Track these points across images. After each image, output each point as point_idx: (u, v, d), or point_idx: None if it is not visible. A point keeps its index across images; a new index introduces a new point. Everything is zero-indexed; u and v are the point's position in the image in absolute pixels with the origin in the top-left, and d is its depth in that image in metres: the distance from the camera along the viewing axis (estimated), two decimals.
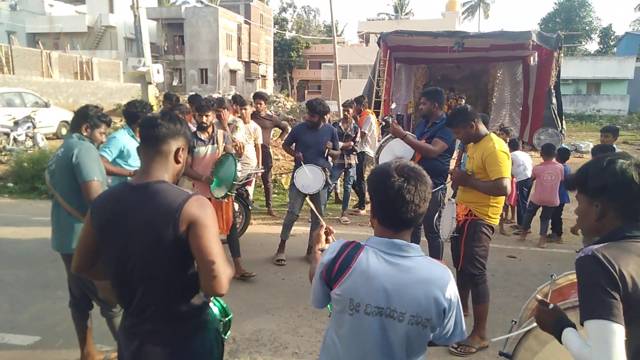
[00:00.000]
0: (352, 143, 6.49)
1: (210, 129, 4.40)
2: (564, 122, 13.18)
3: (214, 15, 33.15)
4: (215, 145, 4.41)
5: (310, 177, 4.83)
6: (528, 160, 6.53)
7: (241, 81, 37.33)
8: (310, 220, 5.50)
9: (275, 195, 7.85)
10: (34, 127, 11.49)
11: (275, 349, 3.37)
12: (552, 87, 12.35)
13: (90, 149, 2.79)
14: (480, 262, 3.37)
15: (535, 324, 1.60)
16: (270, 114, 8.07)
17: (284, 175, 8.97)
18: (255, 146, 6.00)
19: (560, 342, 1.42)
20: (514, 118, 15.19)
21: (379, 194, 1.45)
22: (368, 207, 6.34)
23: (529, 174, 6.27)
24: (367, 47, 38.98)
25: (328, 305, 1.60)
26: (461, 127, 3.35)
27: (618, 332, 1.26)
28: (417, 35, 12.95)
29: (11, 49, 21.00)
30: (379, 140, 7.11)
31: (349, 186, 6.90)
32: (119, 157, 3.72)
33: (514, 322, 2.38)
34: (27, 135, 11.16)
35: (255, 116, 6.23)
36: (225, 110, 5.08)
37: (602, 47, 47.33)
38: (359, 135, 6.64)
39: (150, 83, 9.55)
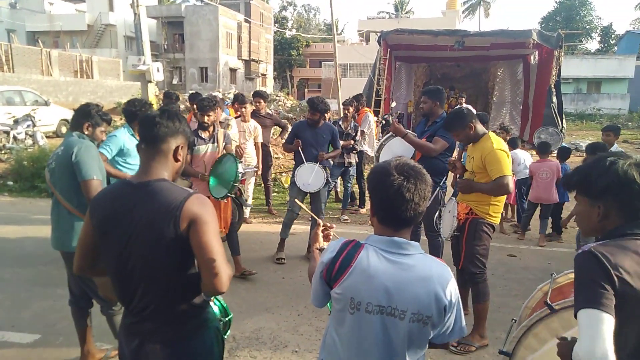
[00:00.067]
0: (352, 142, 6.48)
1: (211, 128, 4.41)
2: (564, 121, 13.19)
3: (214, 13, 33.12)
4: (216, 144, 4.42)
5: (311, 176, 4.83)
6: (528, 159, 6.53)
7: (241, 80, 37.30)
8: (310, 218, 5.50)
9: (275, 193, 7.85)
10: (34, 126, 11.49)
11: (275, 347, 3.37)
12: (552, 86, 12.36)
13: (90, 148, 2.79)
14: (480, 261, 3.37)
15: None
16: (271, 112, 8.07)
17: (284, 174, 8.97)
18: (255, 145, 6.02)
19: None
20: (515, 117, 15.19)
21: (379, 193, 1.45)
22: (368, 206, 6.33)
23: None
24: (368, 46, 38.97)
25: (328, 304, 1.60)
26: (460, 129, 3.36)
27: (606, 321, 1.26)
28: (418, 33, 12.95)
29: (11, 47, 21.00)
30: (378, 140, 7.12)
31: (349, 185, 6.90)
32: (119, 155, 3.72)
33: (514, 321, 2.38)
34: (27, 134, 11.17)
35: (255, 115, 6.23)
36: (218, 109, 5.07)
37: (602, 45, 47.29)
38: (359, 134, 6.64)
39: (150, 81, 9.53)
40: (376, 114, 13.01)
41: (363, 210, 7.16)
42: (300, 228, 5.84)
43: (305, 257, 5.13)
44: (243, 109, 5.86)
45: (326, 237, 1.80)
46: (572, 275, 2.28)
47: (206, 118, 4.31)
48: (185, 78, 34.39)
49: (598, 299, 1.29)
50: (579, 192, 1.54)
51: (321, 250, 1.71)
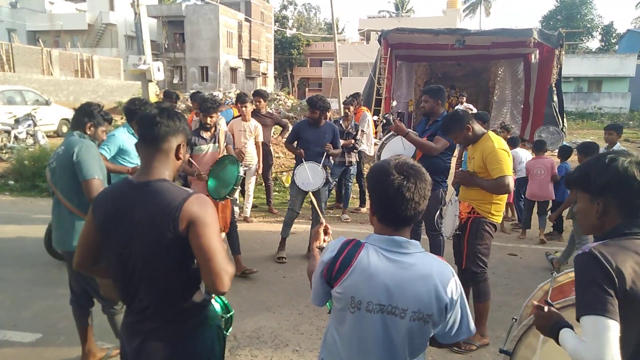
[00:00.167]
0: (352, 141, 6.48)
1: (213, 128, 4.42)
2: (565, 119, 13.19)
3: (214, 12, 33.12)
4: (217, 144, 4.43)
5: (310, 175, 4.83)
6: (529, 158, 6.52)
7: (242, 79, 37.30)
8: (311, 217, 5.50)
9: (276, 193, 7.86)
10: (35, 125, 11.49)
11: (276, 346, 3.38)
12: (553, 85, 12.35)
13: (90, 147, 2.79)
14: (482, 260, 3.37)
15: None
16: (271, 111, 8.06)
17: (284, 173, 8.97)
18: (256, 144, 6.02)
19: (558, 344, 1.42)
20: (515, 116, 15.19)
21: (379, 192, 1.45)
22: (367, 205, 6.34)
23: None
24: (368, 45, 38.96)
25: (327, 303, 1.60)
26: (457, 132, 3.35)
27: (612, 327, 1.27)
28: (418, 32, 12.95)
29: (12, 46, 21.00)
30: (379, 138, 7.12)
31: (350, 184, 6.90)
32: (119, 154, 3.73)
33: (514, 320, 2.38)
34: (27, 133, 11.16)
35: (255, 114, 6.23)
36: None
37: (603, 44, 47.21)
38: (359, 133, 6.63)
39: (150, 81, 9.55)
40: (377, 113, 13.02)
41: (363, 210, 7.17)
42: (300, 227, 5.84)
43: (306, 257, 5.13)
44: (243, 108, 5.86)
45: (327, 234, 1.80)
46: (573, 274, 2.29)
47: (209, 119, 4.32)
48: (185, 77, 34.40)
49: (603, 305, 1.29)
50: (580, 189, 1.55)
51: (321, 249, 1.70)
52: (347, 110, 6.60)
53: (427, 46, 14.02)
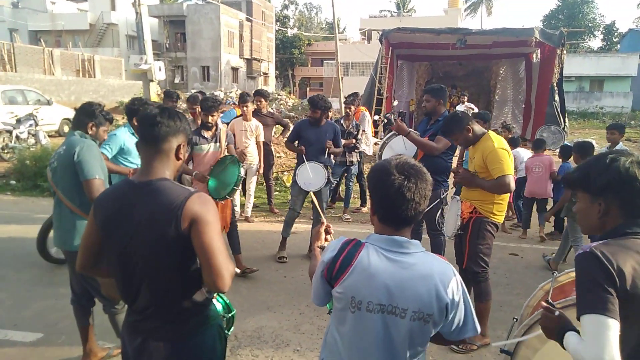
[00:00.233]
0: (353, 140, 6.48)
1: (214, 128, 4.42)
2: (566, 119, 13.16)
3: (215, 12, 33.12)
4: (218, 144, 4.42)
5: (312, 175, 4.83)
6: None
7: (243, 79, 37.31)
8: (312, 217, 5.50)
9: (277, 192, 7.86)
10: (36, 125, 11.50)
11: (277, 346, 3.38)
12: (554, 85, 12.33)
13: (92, 147, 2.79)
14: (483, 260, 3.37)
15: (540, 331, 1.60)
16: (272, 111, 8.06)
17: (285, 173, 8.97)
18: (257, 144, 6.02)
19: (563, 347, 1.42)
20: (517, 115, 15.17)
21: (379, 192, 1.45)
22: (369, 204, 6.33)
23: None
24: (369, 45, 38.96)
25: (327, 304, 1.60)
26: (457, 133, 3.35)
27: (612, 326, 1.27)
28: (419, 32, 12.94)
29: (13, 46, 21.03)
30: (379, 138, 7.11)
31: (351, 184, 6.90)
32: (120, 154, 3.74)
33: (515, 320, 2.38)
34: (29, 133, 11.18)
35: (256, 113, 6.23)
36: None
37: (605, 44, 47.13)
38: (360, 132, 6.63)
39: (152, 80, 9.55)
40: (378, 112, 13.01)
41: (364, 209, 7.17)
42: (301, 227, 5.84)
43: (307, 256, 5.13)
44: (245, 108, 5.87)
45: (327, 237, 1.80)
46: (574, 274, 2.29)
47: (210, 118, 4.32)
48: (187, 77, 34.42)
49: (603, 304, 1.29)
50: (580, 189, 1.54)
51: (322, 248, 1.70)
52: (348, 110, 6.59)
53: (429, 46, 14.01)
